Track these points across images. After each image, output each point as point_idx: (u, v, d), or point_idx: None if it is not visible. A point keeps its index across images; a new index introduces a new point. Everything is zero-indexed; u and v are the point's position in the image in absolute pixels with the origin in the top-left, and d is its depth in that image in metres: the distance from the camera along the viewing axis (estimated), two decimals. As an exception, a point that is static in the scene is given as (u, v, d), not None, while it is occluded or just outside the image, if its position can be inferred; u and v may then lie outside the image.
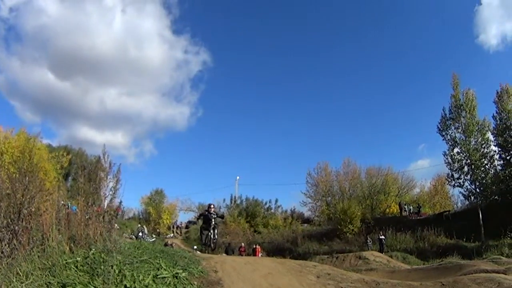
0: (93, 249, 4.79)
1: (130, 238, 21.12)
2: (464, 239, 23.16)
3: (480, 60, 65.80)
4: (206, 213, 11.46)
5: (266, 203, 40.03)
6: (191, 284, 4.68)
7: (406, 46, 72.65)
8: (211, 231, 11.16)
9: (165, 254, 5.56)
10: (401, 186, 37.76)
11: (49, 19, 64.82)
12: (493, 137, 26.37)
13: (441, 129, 27.18)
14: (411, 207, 32.62)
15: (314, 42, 77.56)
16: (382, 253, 22.43)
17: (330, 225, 33.04)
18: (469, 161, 25.52)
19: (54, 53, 65.36)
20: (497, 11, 63.50)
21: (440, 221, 27.56)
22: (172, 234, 36.51)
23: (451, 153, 26.64)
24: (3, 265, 4.02)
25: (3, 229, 4.42)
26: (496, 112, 26.69)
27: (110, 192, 6.06)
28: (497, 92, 26.91)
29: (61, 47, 63.50)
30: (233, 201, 40.25)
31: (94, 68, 66.73)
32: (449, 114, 26.81)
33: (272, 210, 40.15)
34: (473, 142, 25.82)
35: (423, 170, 75.24)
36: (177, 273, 4.75)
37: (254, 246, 24.13)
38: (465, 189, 26.28)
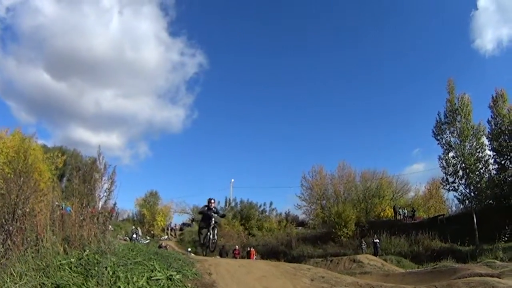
0: (87, 251, 4.78)
1: (124, 240, 21.06)
2: (459, 243, 23.30)
3: (476, 65, 66.39)
4: (206, 209, 10.35)
5: (260, 206, 40.11)
6: (185, 286, 4.67)
7: (405, 46, 73.19)
8: (211, 231, 10.04)
9: (159, 256, 5.54)
10: (395, 189, 37.74)
11: (45, 19, 64.62)
12: (488, 142, 26.64)
13: (436, 133, 27.38)
14: (406, 211, 32.70)
15: (312, 44, 77.72)
16: (376, 256, 22.53)
17: (324, 228, 33.05)
18: (464, 165, 25.72)
19: (50, 54, 65.27)
20: (493, 16, 64.11)
21: (434, 225, 27.67)
22: (166, 236, 36.39)
23: (446, 157, 26.85)
24: (-3, 265, 4.00)
25: (-3, 230, 4.41)
26: (491, 117, 27.03)
27: (105, 194, 6.08)
28: (492, 97, 27.25)
29: (58, 47, 63.41)
30: (227, 204, 40.26)
31: (90, 69, 66.61)
32: (444, 119, 27.02)
33: (267, 213, 40.22)
34: (468, 147, 26.02)
35: (418, 174, 75.84)
36: (171, 275, 4.74)
37: (249, 249, 24.17)
38: (460, 193, 26.47)
